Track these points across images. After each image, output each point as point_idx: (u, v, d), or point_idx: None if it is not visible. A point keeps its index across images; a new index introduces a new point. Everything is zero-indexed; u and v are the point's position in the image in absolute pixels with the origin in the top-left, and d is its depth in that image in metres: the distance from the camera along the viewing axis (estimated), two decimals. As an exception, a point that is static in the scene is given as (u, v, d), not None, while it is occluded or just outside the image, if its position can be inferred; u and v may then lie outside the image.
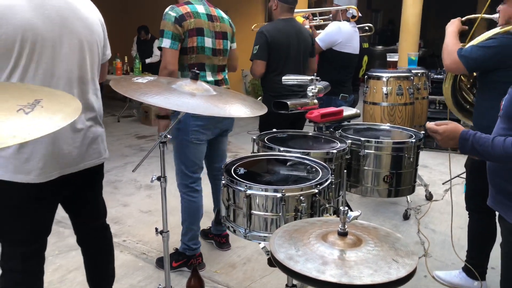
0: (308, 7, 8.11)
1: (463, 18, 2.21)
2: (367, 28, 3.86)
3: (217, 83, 2.43)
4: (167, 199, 1.93)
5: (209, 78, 2.41)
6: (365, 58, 3.77)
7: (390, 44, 10.23)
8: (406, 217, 3.43)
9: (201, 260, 2.60)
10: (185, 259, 2.56)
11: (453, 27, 2.16)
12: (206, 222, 2.90)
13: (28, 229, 1.59)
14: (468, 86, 2.51)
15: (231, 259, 2.75)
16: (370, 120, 3.47)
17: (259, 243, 1.59)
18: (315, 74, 2.25)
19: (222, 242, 2.84)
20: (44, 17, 1.43)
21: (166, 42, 2.25)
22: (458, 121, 1.93)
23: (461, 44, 2.10)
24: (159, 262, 2.60)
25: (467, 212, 2.38)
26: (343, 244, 1.12)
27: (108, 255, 1.95)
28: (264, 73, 2.82)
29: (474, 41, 2.02)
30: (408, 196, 3.40)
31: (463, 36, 2.19)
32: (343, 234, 1.14)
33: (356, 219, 1.18)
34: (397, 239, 1.19)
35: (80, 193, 1.77)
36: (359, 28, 3.54)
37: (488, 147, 1.40)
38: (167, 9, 2.30)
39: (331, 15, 3.53)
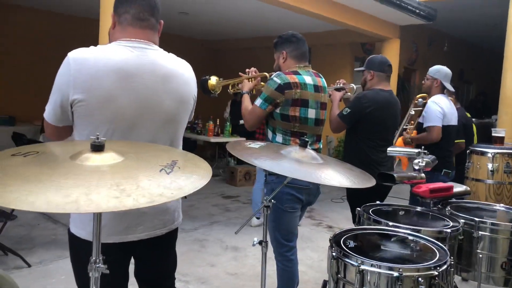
0: (398, 79, 8.10)
1: None
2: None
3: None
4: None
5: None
6: (474, 126, 3.66)
7: (482, 116, 9.72)
8: (516, 310, 3.03)
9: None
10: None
11: None
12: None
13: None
14: None
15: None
16: (472, 198, 3.23)
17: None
18: (423, 147, 2.19)
19: None
20: (130, 89, 1.45)
21: (257, 101, 2.38)
22: None
23: None
24: None
25: None
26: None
27: None
28: (356, 142, 2.82)
29: None
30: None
31: None
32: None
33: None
34: None
35: (142, 259, 1.69)
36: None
37: None
38: (273, 75, 2.38)
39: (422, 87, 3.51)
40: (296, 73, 2.39)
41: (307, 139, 1.82)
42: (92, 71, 1.41)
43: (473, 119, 4.17)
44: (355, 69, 3.15)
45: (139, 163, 1.16)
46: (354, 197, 2.82)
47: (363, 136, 2.79)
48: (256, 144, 1.86)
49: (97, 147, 1.14)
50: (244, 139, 6.21)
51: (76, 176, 1.02)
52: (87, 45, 1.57)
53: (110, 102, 1.43)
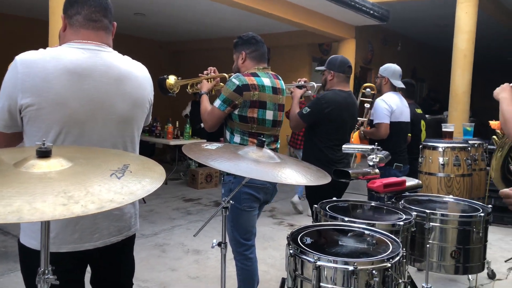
0: (354, 79, 8.31)
1: (509, 84, 2.08)
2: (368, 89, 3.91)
3: None
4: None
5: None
6: (422, 122, 3.80)
7: (433, 113, 10.18)
8: (468, 296, 3.19)
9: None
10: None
11: (506, 93, 2.01)
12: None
13: None
14: None
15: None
16: (425, 191, 3.37)
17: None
18: (377, 143, 2.25)
19: None
20: (81, 92, 1.41)
21: (216, 102, 2.39)
22: None
23: None
24: None
25: None
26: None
27: None
28: (314, 142, 2.87)
29: None
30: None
31: None
32: (427, 315, 1.08)
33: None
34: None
35: (98, 269, 1.66)
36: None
37: None
38: (232, 77, 2.39)
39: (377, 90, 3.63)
40: (255, 75, 2.41)
41: (264, 139, 1.84)
42: (42, 74, 1.37)
43: (426, 115, 4.34)
44: (316, 67, 3.18)
45: (89, 169, 1.13)
46: (313, 194, 2.88)
47: (321, 135, 2.85)
48: (213, 146, 1.85)
49: (43, 153, 1.09)
50: (205, 141, 6.17)
51: (19, 184, 0.98)
52: (36, 47, 1.51)
53: (61, 105, 1.39)
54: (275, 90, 2.45)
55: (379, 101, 3.34)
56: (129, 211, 1.63)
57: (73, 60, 1.42)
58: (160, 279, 3.33)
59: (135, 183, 1.09)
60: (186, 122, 7.03)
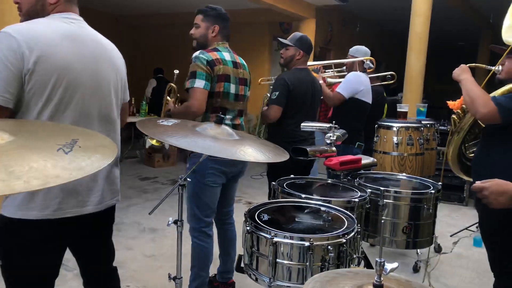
0: (314, 59, 8.34)
1: (467, 66, 2.07)
2: (389, 76, 4.00)
3: (234, 127, 2.42)
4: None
5: (228, 122, 2.41)
6: (386, 105, 3.89)
7: (390, 94, 10.42)
8: (416, 269, 3.34)
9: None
10: (193, 307, 2.46)
11: (468, 74, 2.01)
12: (211, 269, 2.81)
13: (37, 271, 1.52)
14: (472, 137, 2.46)
15: (239, 309, 2.65)
16: (380, 169, 3.47)
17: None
18: (334, 122, 2.27)
19: None
20: (80, 56, 1.47)
21: (199, 83, 2.24)
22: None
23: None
24: None
25: (485, 270, 2.30)
26: (380, 298, 1.08)
27: None
28: (279, 119, 2.85)
29: (497, 92, 1.99)
30: (417, 248, 3.34)
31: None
32: (379, 287, 1.10)
33: (393, 271, 1.15)
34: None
35: (93, 236, 1.71)
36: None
37: None
38: (197, 53, 2.32)
39: (345, 67, 3.64)
40: (216, 49, 2.40)
41: (222, 116, 1.80)
42: (44, 40, 1.38)
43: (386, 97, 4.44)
44: (281, 39, 3.00)
45: (33, 143, 1.05)
46: (275, 173, 2.87)
47: (286, 114, 2.84)
48: (169, 122, 1.80)
49: (-19, 126, 1.01)
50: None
51: (-48, 158, 0.90)
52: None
53: (66, 69, 1.44)
54: (235, 65, 2.45)
55: (354, 75, 3.39)
56: (118, 176, 1.75)
57: (67, 28, 1.48)
58: (115, 258, 3.26)
59: (84, 158, 1.03)
60: (142, 99, 6.83)
